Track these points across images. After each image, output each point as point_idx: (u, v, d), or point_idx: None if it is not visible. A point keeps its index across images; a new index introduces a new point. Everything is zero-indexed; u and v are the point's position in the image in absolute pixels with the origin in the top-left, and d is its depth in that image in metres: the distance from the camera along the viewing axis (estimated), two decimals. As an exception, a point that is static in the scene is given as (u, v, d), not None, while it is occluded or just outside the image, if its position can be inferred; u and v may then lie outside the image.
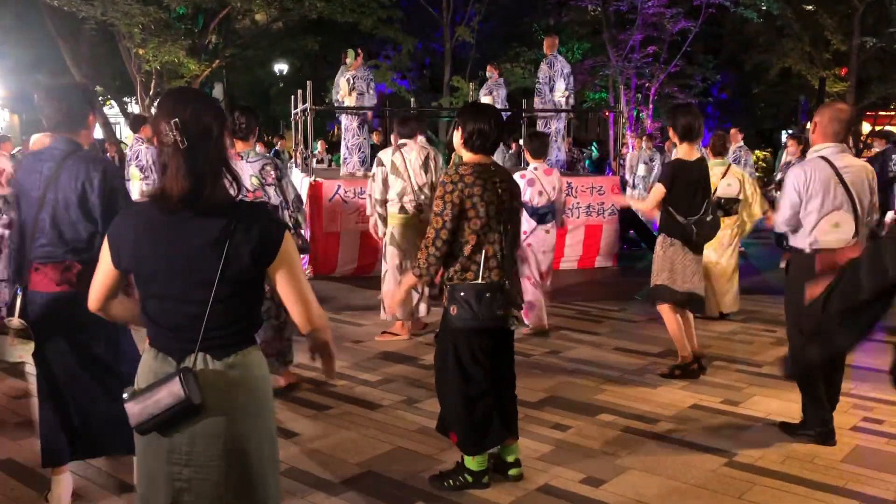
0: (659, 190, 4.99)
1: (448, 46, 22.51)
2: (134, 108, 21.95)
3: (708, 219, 4.99)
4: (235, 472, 2.04)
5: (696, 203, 4.95)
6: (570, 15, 22.93)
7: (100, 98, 20.10)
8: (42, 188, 3.07)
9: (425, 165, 5.96)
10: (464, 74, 21.43)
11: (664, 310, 5.10)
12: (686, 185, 4.95)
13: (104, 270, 2.12)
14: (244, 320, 2.08)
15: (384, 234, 6.05)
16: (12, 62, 17.56)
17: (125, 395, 2.03)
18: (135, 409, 2.00)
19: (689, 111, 5.03)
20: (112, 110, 22.15)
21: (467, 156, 3.43)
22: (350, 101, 9.76)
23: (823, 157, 3.82)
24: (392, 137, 6.56)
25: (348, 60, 9.97)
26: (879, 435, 4.10)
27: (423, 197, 5.94)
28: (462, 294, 3.34)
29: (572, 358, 5.53)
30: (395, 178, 5.95)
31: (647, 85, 21.47)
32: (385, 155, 6.04)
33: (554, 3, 23.28)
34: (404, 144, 6.04)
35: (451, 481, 3.48)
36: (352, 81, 9.82)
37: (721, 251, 6.59)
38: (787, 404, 4.42)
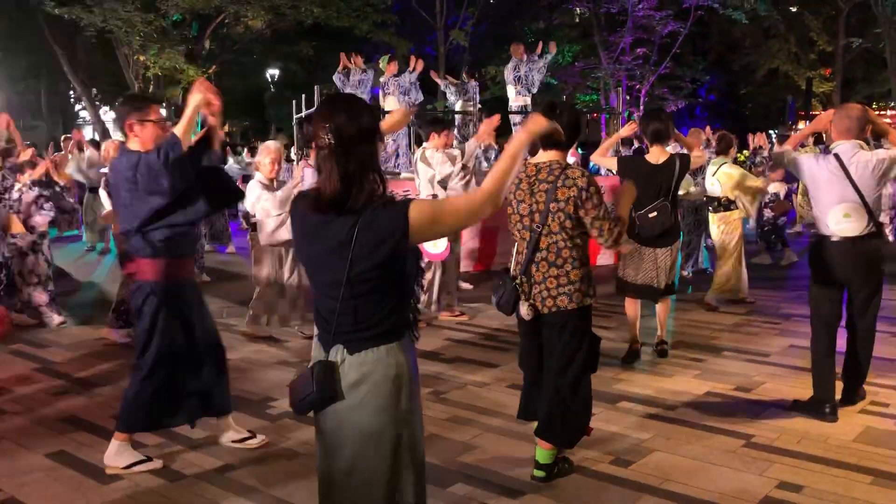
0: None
1: (442, 50, 22.76)
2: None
3: (651, 215, 5.22)
4: (349, 465, 2.12)
5: (645, 198, 5.13)
6: (561, 18, 23.22)
7: (96, 103, 20.16)
8: None
9: None
10: (457, 77, 21.57)
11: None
12: (633, 181, 5.16)
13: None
14: (378, 318, 2.10)
15: None
16: (9, 69, 17.62)
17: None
18: (292, 391, 2.19)
19: (657, 117, 5.40)
20: (110, 114, 22.23)
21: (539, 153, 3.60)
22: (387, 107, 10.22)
23: (835, 154, 4.11)
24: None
25: (380, 66, 10.38)
26: (887, 417, 4.33)
27: None
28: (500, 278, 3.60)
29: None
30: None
31: (637, 87, 21.78)
32: None
33: (545, 6, 23.57)
34: None
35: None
36: (388, 87, 10.30)
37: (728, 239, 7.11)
38: (795, 390, 4.65)
